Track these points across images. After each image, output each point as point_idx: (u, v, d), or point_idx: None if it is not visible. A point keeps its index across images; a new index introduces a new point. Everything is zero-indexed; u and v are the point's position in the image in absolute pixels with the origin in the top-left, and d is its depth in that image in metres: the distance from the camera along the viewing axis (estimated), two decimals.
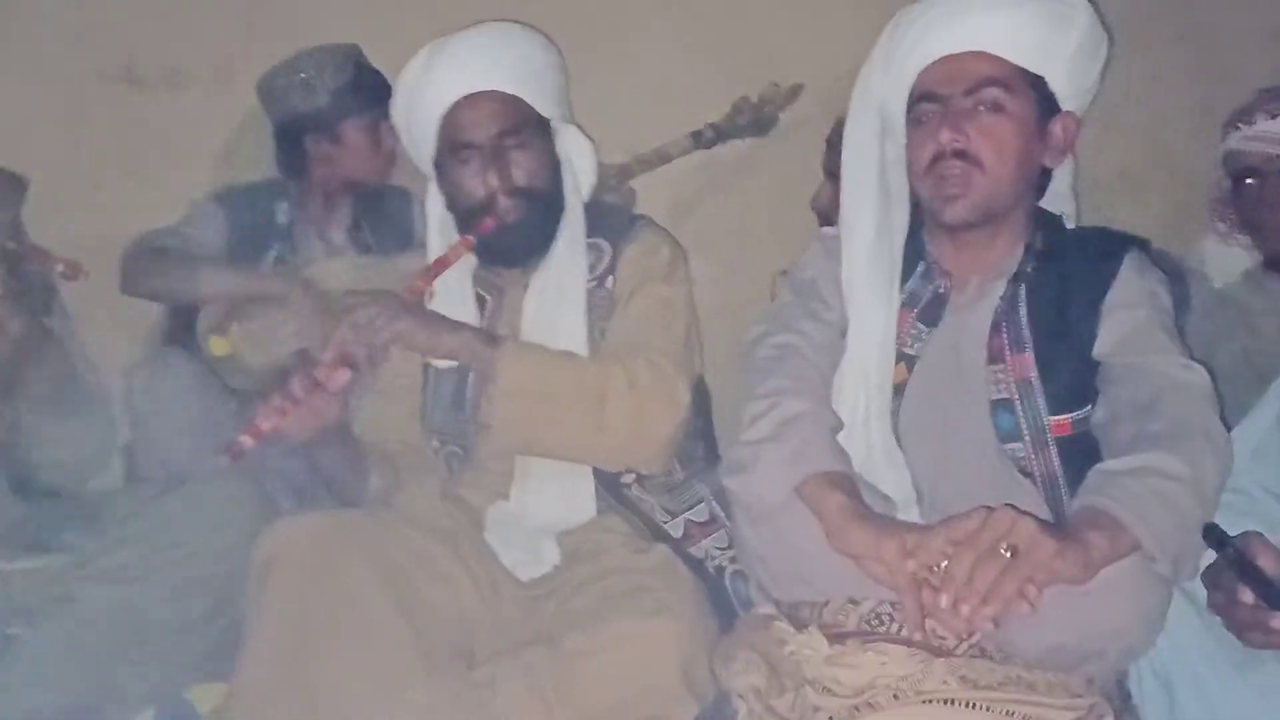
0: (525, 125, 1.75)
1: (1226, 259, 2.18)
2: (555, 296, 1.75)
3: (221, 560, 1.62)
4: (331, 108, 2.23)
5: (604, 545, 1.66)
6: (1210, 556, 1.31)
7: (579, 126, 1.88)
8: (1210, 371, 1.48)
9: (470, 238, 1.72)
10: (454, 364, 1.74)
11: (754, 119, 2.44)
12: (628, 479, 1.73)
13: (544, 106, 1.79)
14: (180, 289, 2.13)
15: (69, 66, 2.45)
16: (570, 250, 1.78)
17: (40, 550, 1.63)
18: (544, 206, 1.76)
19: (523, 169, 1.73)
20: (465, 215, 1.75)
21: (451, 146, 1.74)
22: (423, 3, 2.43)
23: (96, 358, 2.02)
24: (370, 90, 2.26)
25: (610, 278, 1.78)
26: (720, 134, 2.42)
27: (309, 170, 2.29)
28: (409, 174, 2.41)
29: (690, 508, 1.72)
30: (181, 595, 1.62)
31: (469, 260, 1.79)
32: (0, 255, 1.62)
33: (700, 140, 2.41)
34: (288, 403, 1.50)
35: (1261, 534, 1.29)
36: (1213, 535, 1.28)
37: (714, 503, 1.72)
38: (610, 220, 1.85)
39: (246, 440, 1.46)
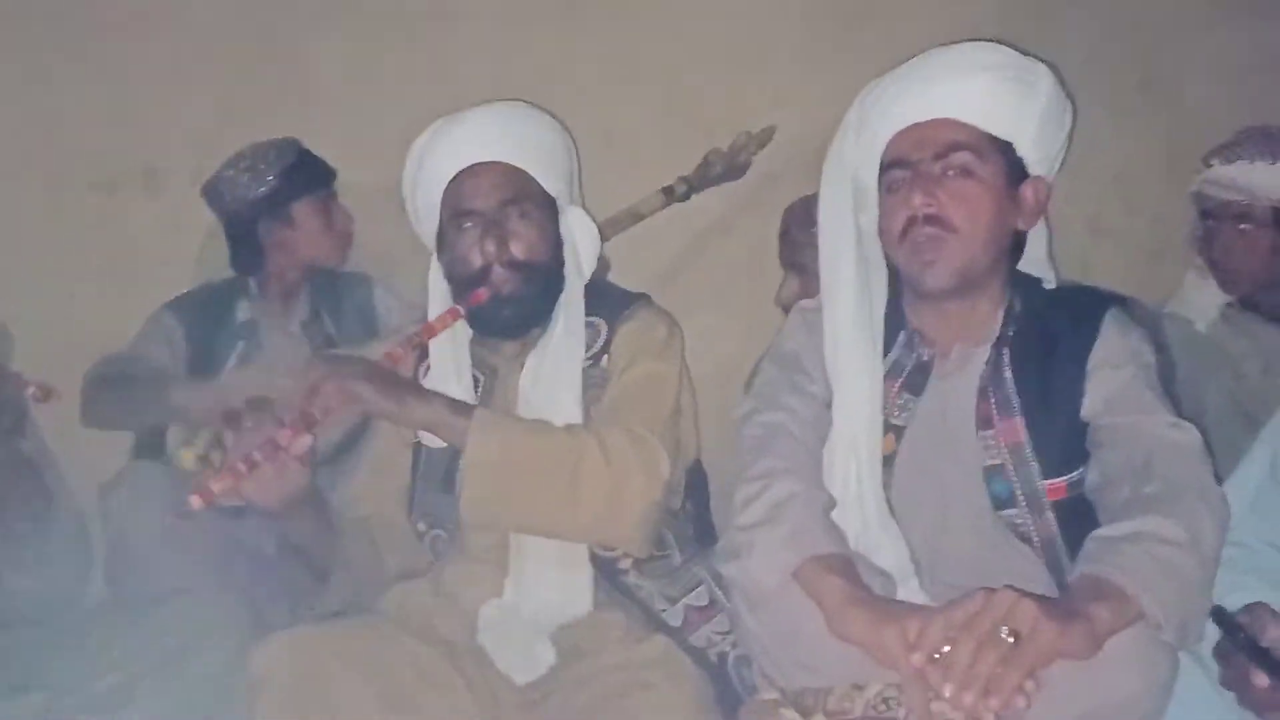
0: (528, 197, 1.74)
1: (1205, 294, 2.20)
2: (550, 375, 1.72)
3: (212, 677, 1.58)
4: (280, 189, 2.25)
5: (601, 642, 1.61)
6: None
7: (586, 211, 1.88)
8: (1199, 423, 1.48)
9: (458, 307, 1.71)
10: (444, 445, 1.70)
11: (727, 167, 2.41)
12: (624, 565, 1.69)
13: (549, 183, 1.79)
14: (142, 413, 2.12)
15: (39, 169, 2.46)
16: (567, 330, 1.76)
17: (21, 688, 1.58)
18: (541, 281, 1.75)
19: (522, 241, 1.72)
20: (461, 285, 1.74)
21: (453, 215, 1.73)
22: (398, 96, 2.45)
23: (71, 472, 2.00)
24: (316, 171, 2.30)
25: (605, 356, 1.76)
26: (692, 186, 2.39)
27: (265, 262, 2.29)
28: (370, 259, 2.43)
29: (689, 591, 1.68)
30: (174, 715, 1.58)
31: (464, 335, 1.77)
32: None
33: (673, 195, 2.37)
34: (243, 465, 1.45)
35: (1268, 605, 1.28)
36: (1222, 620, 1.27)
37: (713, 585, 1.68)
38: (608, 299, 1.83)
39: (195, 501, 1.41)
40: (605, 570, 1.68)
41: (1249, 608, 1.28)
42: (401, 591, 1.72)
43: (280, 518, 1.59)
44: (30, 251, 2.42)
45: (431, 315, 1.78)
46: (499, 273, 1.70)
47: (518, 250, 1.71)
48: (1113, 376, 1.49)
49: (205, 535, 2.01)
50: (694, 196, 2.42)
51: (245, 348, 2.23)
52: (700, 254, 2.57)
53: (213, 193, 2.29)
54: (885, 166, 1.56)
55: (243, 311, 2.29)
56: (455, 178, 1.73)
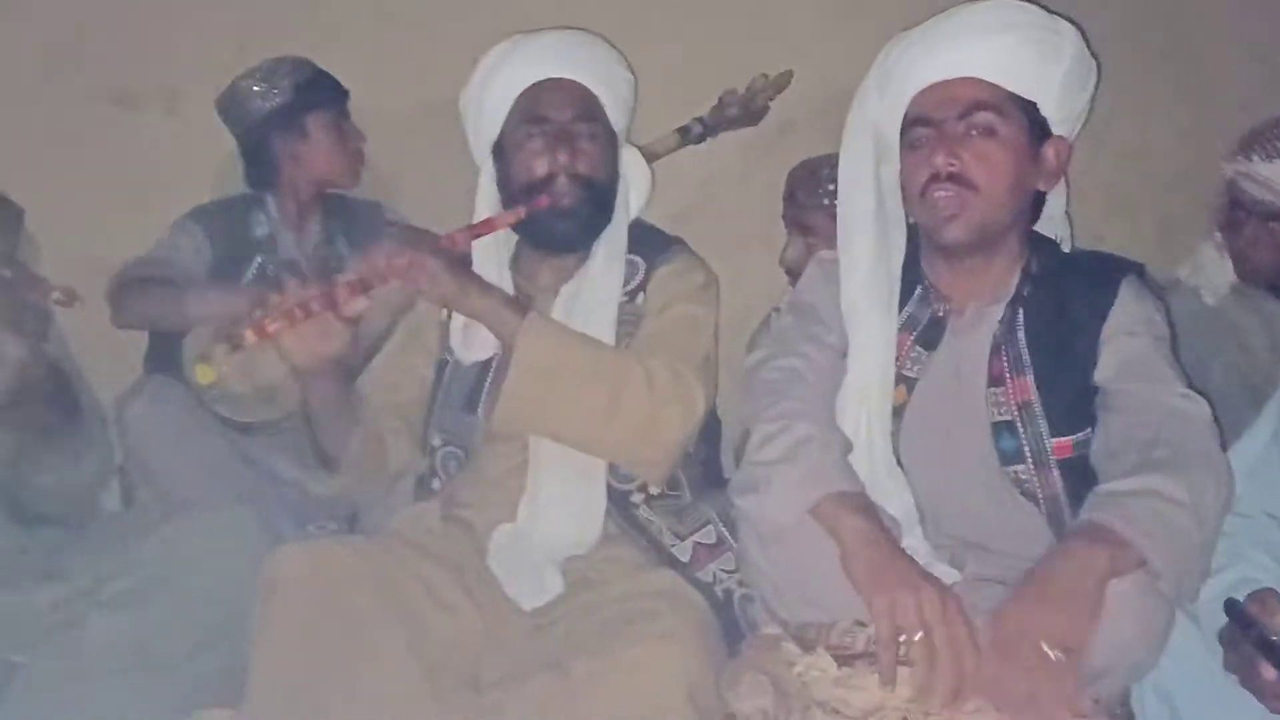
0: (597, 119, 1.77)
1: (1220, 270, 2.19)
2: (586, 307, 1.74)
3: (224, 586, 1.62)
4: (295, 102, 2.25)
5: (609, 573, 1.64)
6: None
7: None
8: (1205, 393, 1.51)
9: (521, 209, 1.71)
10: (474, 362, 1.73)
11: (743, 110, 2.38)
12: (636, 499, 1.72)
13: (614, 116, 1.82)
14: (169, 315, 2.13)
15: (63, 89, 2.45)
16: (608, 264, 1.78)
17: (43, 579, 1.61)
18: (599, 201, 1.77)
19: (588, 157, 1.74)
20: (519, 191, 1.74)
21: (523, 122, 1.75)
22: (417, 22, 2.44)
23: (91, 381, 2.01)
24: (330, 87, 2.30)
25: (641, 294, 1.78)
26: (708, 128, 2.36)
27: (279, 177, 2.30)
28: (386, 189, 2.43)
29: (697, 529, 1.71)
30: (184, 622, 1.62)
31: (506, 256, 1.79)
32: None
33: (688, 136, 2.34)
34: (299, 311, 1.47)
35: (1275, 592, 1.31)
36: (1233, 612, 1.30)
37: (720, 525, 1.70)
38: (646, 238, 1.85)
39: (249, 335, 1.43)
40: (618, 502, 1.71)
41: (1258, 595, 1.31)
42: (412, 513, 1.74)
43: (310, 376, 1.59)
44: (53, 167, 2.42)
45: (479, 212, 1.79)
46: (563, 182, 1.72)
47: (583, 165, 1.73)
48: (1127, 344, 1.52)
49: (219, 449, 2.04)
50: (709, 141, 2.39)
51: (263, 262, 2.24)
52: (714, 201, 2.56)
53: (228, 104, 2.29)
54: (908, 123, 1.57)
55: (260, 227, 2.30)
56: (529, 89, 1.75)
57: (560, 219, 1.73)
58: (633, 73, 1.89)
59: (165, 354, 2.16)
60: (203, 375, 1.99)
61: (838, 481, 1.43)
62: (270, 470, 2.13)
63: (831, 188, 2.03)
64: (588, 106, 1.77)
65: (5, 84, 2.39)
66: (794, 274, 2.14)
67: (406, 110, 2.45)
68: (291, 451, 2.14)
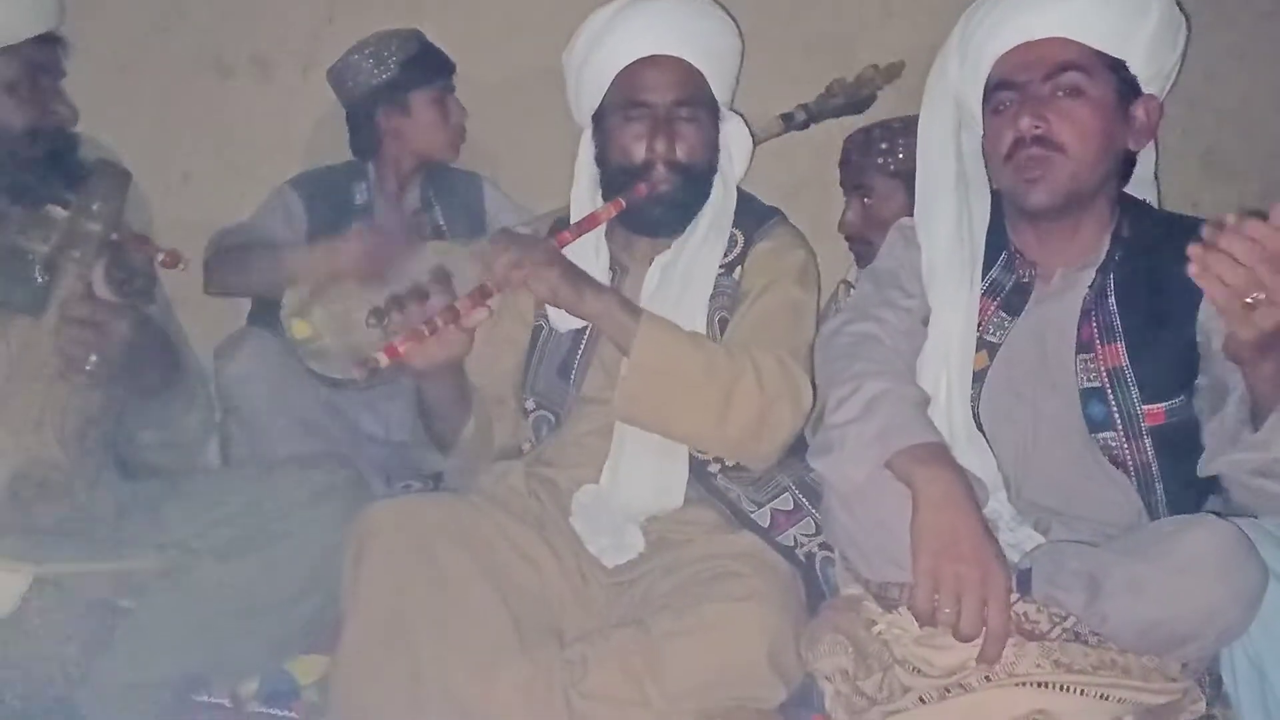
0: (699, 100, 1.75)
1: None
2: (683, 277, 1.74)
3: (317, 539, 1.66)
4: (400, 79, 2.29)
5: (690, 534, 1.66)
6: None
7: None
8: None
9: (621, 200, 1.70)
10: (569, 329, 1.75)
11: (849, 99, 2.35)
12: (714, 468, 1.73)
13: (719, 89, 1.79)
14: (263, 280, 2.18)
15: (158, 57, 2.52)
16: (708, 236, 1.76)
17: (149, 528, 1.68)
18: (696, 185, 1.75)
19: (687, 143, 1.72)
20: (617, 174, 1.74)
21: (623, 103, 1.73)
22: None
23: (192, 340, 2.08)
24: (436, 63, 2.33)
25: (739, 268, 1.77)
26: (812, 115, 2.34)
27: (382, 149, 2.34)
28: (478, 156, 2.47)
29: (775, 497, 1.71)
30: (281, 572, 1.66)
31: (602, 229, 1.78)
32: (106, 246, 1.66)
33: (791, 122, 2.32)
34: (426, 329, 1.49)
35: None
36: None
37: (797, 493, 1.71)
38: (746, 209, 1.82)
39: (382, 358, 1.45)
40: (696, 471, 1.72)
41: None
42: (497, 471, 1.78)
43: (427, 380, 1.64)
44: (149, 133, 2.49)
45: (578, 192, 1.81)
46: (660, 170, 1.71)
47: (682, 152, 1.72)
48: None
49: (312, 404, 2.10)
50: (813, 126, 2.37)
51: (362, 227, 2.27)
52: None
53: (337, 77, 2.34)
54: (992, 88, 1.55)
55: (360, 194, 2.35)
56: (631, 65, 1.72)
57: (657, 205, 1.72)
58: (741, 38, 1.85)
59: (266, 309, 2.22)
60: (299, 330, 2.06)
61: (912, 434, 1.42)
62: (358, 426, 2.18)
63: (884, 147, 2.05)
64: (690, 87, 1.74)
65: (108, 54, 2.46)
66: (853, 239, 2.13)
67: (499, 77, 2.47)
68: (379, 409, 2.21)
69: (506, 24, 2.45)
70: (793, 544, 1.67)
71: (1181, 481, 1.50)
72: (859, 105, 2.37)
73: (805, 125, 2.33)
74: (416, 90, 2.31)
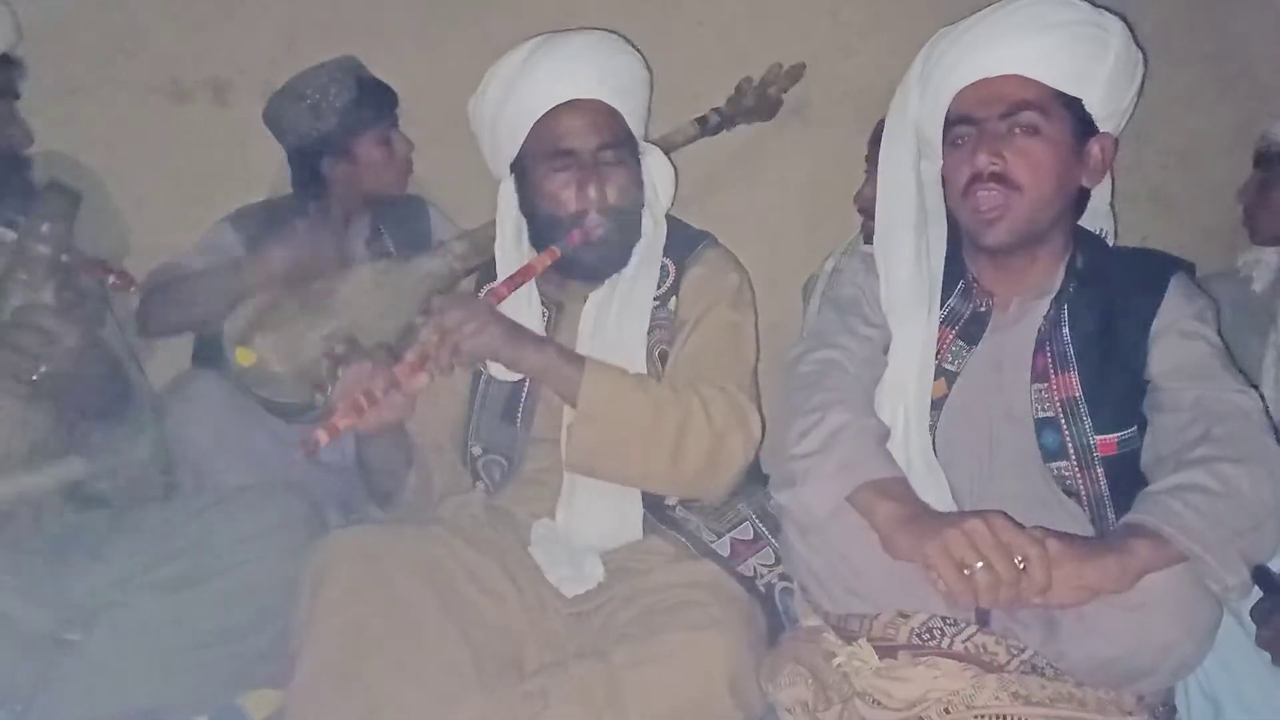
0: (622, 141, 1.74)
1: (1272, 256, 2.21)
2: (618, 314, 1.73)
3: (270, 571, 1.63)
4: (341, 127, 2.22)
5: (649, 563, 1.65)
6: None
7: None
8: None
9: (556, 249, 1.68)
10: (512, 378, 1.73)
11: (758, 101, 2.37)
12: (670, 500, 1.73)
13: (635, 125, 1.78)
14: (198, 310, 2.12)
15: (114, 80, 2.49)
16: (640, 270, 1.75)
17: (94, 560, 1.64)
18: (629, 227, 1.75)
19: (615, 186, 1.71)
20: (548, 223, 1.72)
21: (547, 152, 1.70)
22: (466, 17, 2.46)
23: (146, 368, 2.05)
24: (377, 103, 2.27)
25: (673, 298, 1.76)
26: (725, 119, 2.34)
27: (327, 191, 2.30)
28: (426, 182, 2.45)
29: (734, 527, 1.71)
30: (232, 604, 1.63)
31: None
32: (55, 268, 1.63)
33: (706, 126, 2.32)
34: (365, 400, 1.48)
35: None
36: (1265, 581, 1.30)
37: (757, 522, 1.71)
38: (674, 237, 1.81)
39: (322, 436, 1.44)
40: (651, 504, 1.71)
41: None
42: (456, 503, 1.76)
43: (367, 439, 1.64)
44: (103, 157, 2.45)
45: (501, 240, 1.79)
46: (594, 218, 1.69)
47: (613, 196, 1.70)
48: (1178, 342, 1.51)
49: (262, 440, 2.06)
50: (726, 132, 2.38)
51: (290, 239, 2.18)
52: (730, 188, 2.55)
53: (274, 124, 2.28)
54: (950, 121, 1.57)
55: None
56: (549, 112, 1.69)
57: (592, 251, 1.70)
58: (649, 68, 1.84)
59: (211, 350, 2.16)
60: (243, 358, 2.01)
61: (872, 469, 1.44)
62: (315, 459, 2.15)
63: None
64: (613, 129, 1.72)
65: (63, 76, 2.42)
66: (865, 212, 2.15)
67: (456, 106, 2.46)
68: (334, 441, 2.17)
69: (461, 49, 2.45)
70: (752, 574, 1.66)
71: None
72: (768, 109, 2.39)
73: (719, 129, 2.34)
74: (360, 136, 2.26)
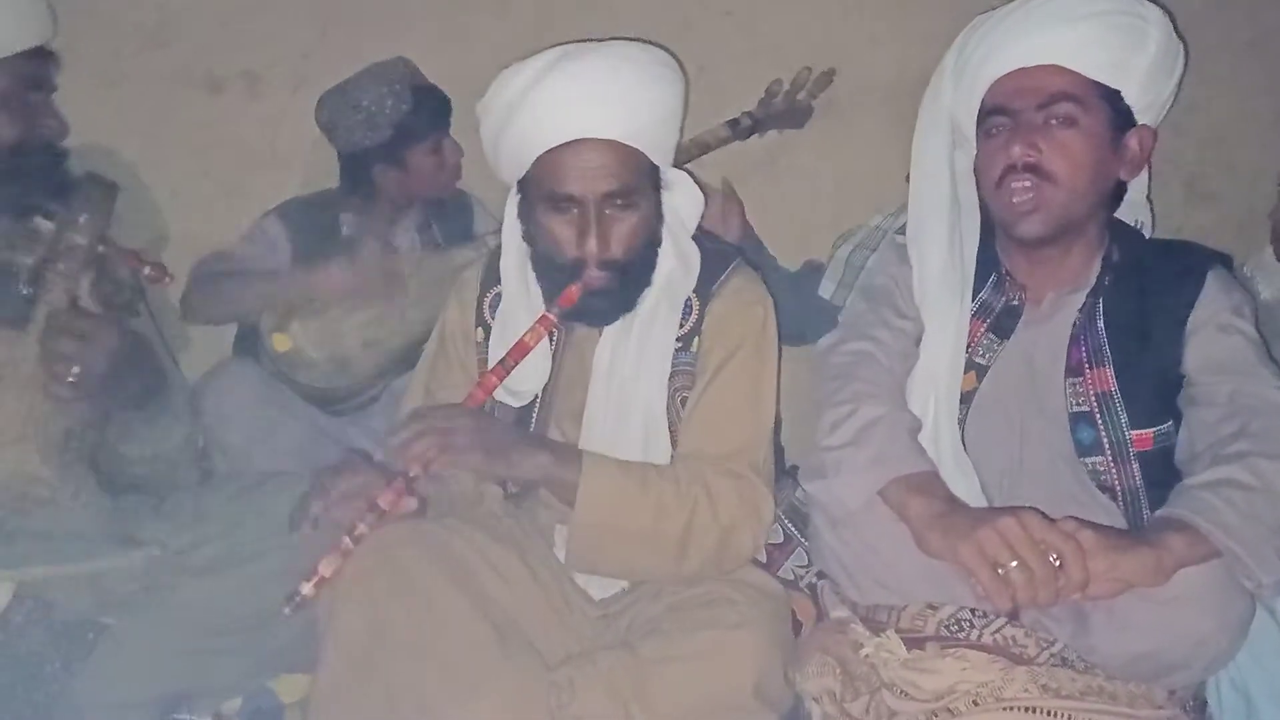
0: (635, 186, 1.56)
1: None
2: (635, 357, 1.62)
3: (299, 557, 1.64)
4: (396, 140, 2.24)
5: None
6: None
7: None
8: None
9: (551, 316, 1.57)
10: (520, 403, 1.67)
11: (788, 106, 2.35)
12: None
13: (660, 156, 1.61)
14: (240, 308, 2.18)
15: (149, 72, 2.51)
16: (659, 309, 1.63)
17: (129, 545, 1.66)
18: (636, 274, 1.61)
19: (621, 235, 1.56)
20: (545, 263, 1.61)
21: (547, 193, 1.56)
22: (499, 10, 2.46)
23: (181, 358, 2.08)
24: (431, 113, 2.28)
25: (696, 339, 1.63)
26: (757, 122, 2.32)
27: (376, 190, 2.32)
28: (469, 176, 2.45)
29: None
30: (264, 589, 1.63)
31: (538, 293, 1.65)
32: (92, 259, 1.65)
33: (737, 129, 2.30)
34: (351, 542, 1.43)
35: None
36: None
37: (786, 523, 1.70)
38: (701, 267, 1.67)
39: (308, 589, 1.40)
40: None
41: None
42: (473, 500, 1.72)
43: None
44: (138, 148, 2.48)
45: (506, 259, 1.69)
46: (593, 272, 1.56)
47: (617, 248, 1.56)
48: (1215, 336, 1.49)
49: (296, 429, 2.09)
50: (757, 137, 2.37)
51: (344, 263, 2.24)
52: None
53: (329, 129, 2.29)
54: (986, 112, 1.55)
55: (347, 226, 2.32)
56: (556, 147, 1.54)
57: (592, 299, 1.57)
58: (683, 72, 1.68)
59: (252, 339, 2.20)
60: (279, 344, 2.06)
61: (906, 463, 1.44)
62: (349, 445, 2.17)
63: None
64: (625, 174, 1.54)
65: (98, 68, 2.45)
66: None
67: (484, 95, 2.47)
68: (369, 427, 2.20)
69: (496, 42, 2.45)
70: (793, 578, 1.65)
71: None
72: (798, 116, 2.39)
73: (750, 133, 2.33)
74: (413, 146, 2.27)
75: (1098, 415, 1.51)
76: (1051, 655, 1.35)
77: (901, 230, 1.70)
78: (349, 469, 1.49)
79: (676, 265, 1.65)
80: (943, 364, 1.58)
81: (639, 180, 1.57)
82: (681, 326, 1.64)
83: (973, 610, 1.38)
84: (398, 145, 2.25)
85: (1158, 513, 1.38)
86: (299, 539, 1.50)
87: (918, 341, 1.61)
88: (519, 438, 1.58)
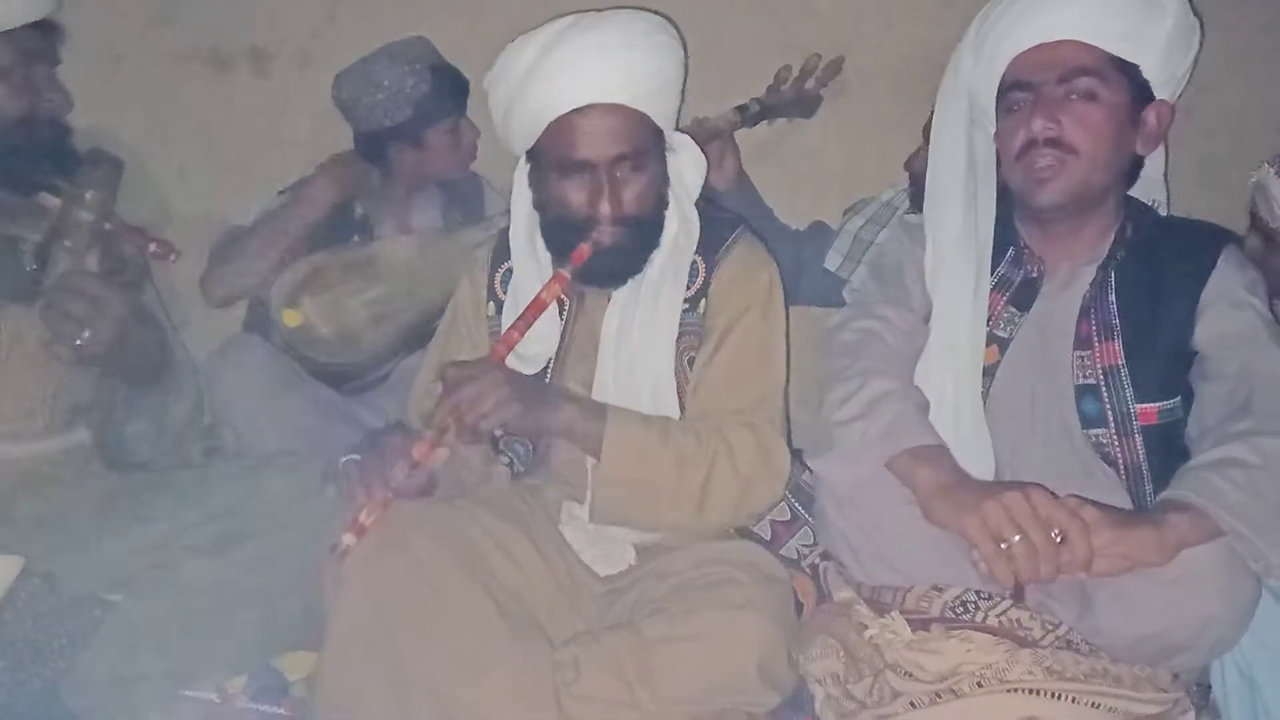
0: (644, 147, 1.61)
1: None
2: (643, 319, 1.65)
3: (307, 535, 1.65)
4: (414, 120, 2.24)
5: (684, 540, 1.63)
6: None
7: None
8: None
9: (565, 274, 1.60)
10: (532, 370, 1.69)
11: (797, 95, 2.32)
12: None
13: (664, 120, 1.66)
14: (253, 265, 2.17)
15: (155, 48, 2.51)
16: (666, 272, 1.67)
17: (135, 521, 1.67)
18: (646, 233, 1.65)
19: (632, 194, 1.60)
20: (556, 225, 1.64)
21: (559, 159, 1.60)
22: None
23: (187, 335, 2.07)
24: (450, 93, 2.28)
25: (703, 301, 1.67)
26: (766, 108, 2.29)
27: (391, 168, 2.32)
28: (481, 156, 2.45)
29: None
30: (269, 567, 1.65)
31: (547, 259, 1.68)
32: (98, 235, 1.65)
33: (746, 115, 2.26)
34: (389, 492, 1.48)
35: None
36: None
37: (792, 501, 1.70)
38: (705, 231, 1.71)
39: (349, 539, 1.44)
40: None
41: None
42: (480, 478, 1.72)
43: None
44: (144, 125, 2.48)
45: (515, 231, 1.72)
46: (604, 229, 1.59)
47: (629, 205, 1.60)
48: (1228, 312, 1.49)
49: (304, 406, 2.09)
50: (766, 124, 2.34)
51: (359, 242, 2.25)
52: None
53: (346, 108, 2.27)
54: (1006, 87, 1.56)
55: (361, 205, 2.31)
56: (565, 114, 1.58)
57: (603, 258, 1.61)
58: (683, 42, 1.71)
59: (261, 316, 2.21)
60: (289, 319, 2.05)
61: (915, 436, 1.44)
62: (358, 422, 2.17)
63: None
64: (633, 137, 1.59)
65: (104, 43, 2.45)
66: (916, 179, 2.11)
67: None
68: (378, 405, 2.20)
69: (504, 18, 2.43)
70: (796, 556, 1.65)
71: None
72: (807, 105, 2.36)
73: (759, 119, 2.30)
74: (430, 127, 2.26)
75: (1103, 388, 1.52)
76: (1056, 638, 1.35)
77: (914, 215, 1.70)
78: (393, 431, 1.55)
79: (680, 229, 1.69)
80: (961, 337, 1.58)
81: (647, 143, 1.62)
82: (688, 289, 1.68)
83: (978, 592, 1.38)
84: (416, 125, 2.25)
85: (1161, 495, 1.38)
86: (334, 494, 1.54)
87: (927, 319, 1.61)
88: (548, 390, 1.64)
